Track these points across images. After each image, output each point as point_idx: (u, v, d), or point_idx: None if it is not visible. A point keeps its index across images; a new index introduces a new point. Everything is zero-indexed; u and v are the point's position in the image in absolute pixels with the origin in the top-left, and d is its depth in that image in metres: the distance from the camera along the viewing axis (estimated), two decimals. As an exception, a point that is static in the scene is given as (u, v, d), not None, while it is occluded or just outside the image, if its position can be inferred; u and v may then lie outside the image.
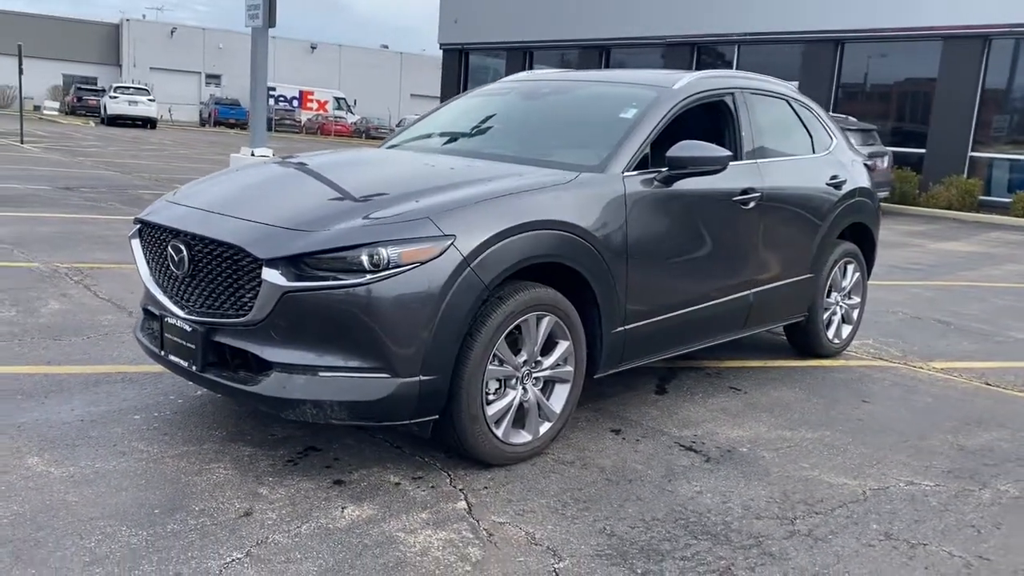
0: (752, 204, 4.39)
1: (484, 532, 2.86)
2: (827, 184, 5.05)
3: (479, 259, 3.10)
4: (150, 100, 37.26)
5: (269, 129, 46.33)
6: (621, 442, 3.75)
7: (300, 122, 49.44)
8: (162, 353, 3.44)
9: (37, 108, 45.44)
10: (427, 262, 3.01)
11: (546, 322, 3.42)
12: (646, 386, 4.55)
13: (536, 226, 3.30)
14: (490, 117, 4.74)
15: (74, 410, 3.71)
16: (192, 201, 3.52)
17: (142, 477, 3.09)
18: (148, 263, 3.56)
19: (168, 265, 3.38)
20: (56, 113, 43.66)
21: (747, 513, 3.13)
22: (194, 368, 3.25)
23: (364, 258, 2.97)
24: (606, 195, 3.62)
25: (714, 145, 3.93)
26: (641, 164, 3.85)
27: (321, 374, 3.02)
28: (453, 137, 4.60)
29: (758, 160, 4.57)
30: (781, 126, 4.99)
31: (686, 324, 4.14)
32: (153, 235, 3.52)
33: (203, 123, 49.60)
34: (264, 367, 3.11)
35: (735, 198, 4.30)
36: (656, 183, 3.85)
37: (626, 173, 3.76)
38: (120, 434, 3.47)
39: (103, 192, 12.00)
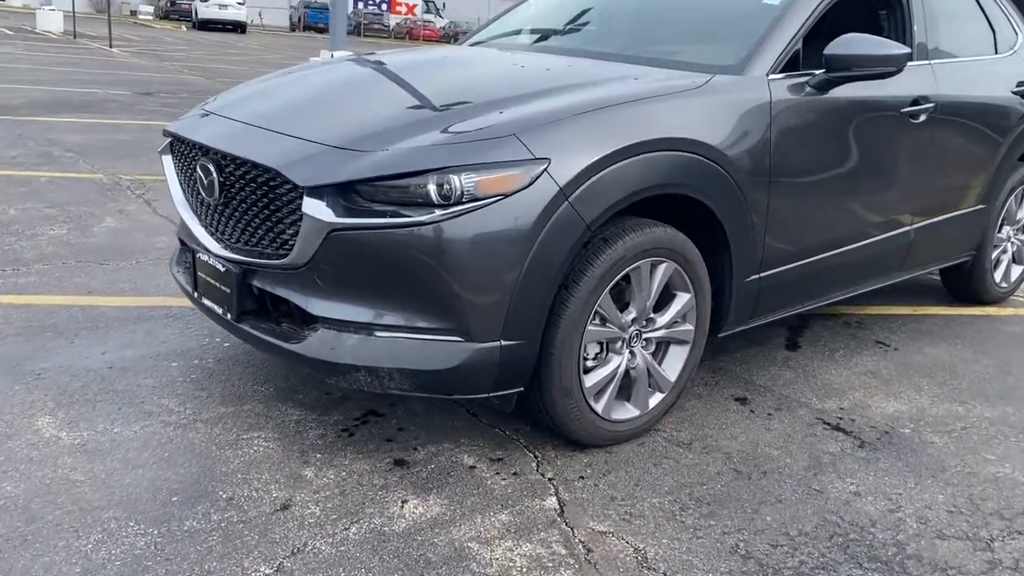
0: (923, 117, 3.48)
1: (580, 546, 2.22)
2: (1013, 93, 4.05)
3: (580, 190, 2.37)
4: (240, 4, 36.91)
5: (357, 33, 45.71)
6: (749, 416, 3.04)
7: (388, 26, 48.47)
8: (195, 294, 2.86)
9: (133, 13, 45.76)
10: (512, 194, 2.30)
11: (662, 270, 2.69)
12: (775, 340, 3.78)
13: (655, 146, 2.52)
14: (596, 5, 3.90)
15: (105, 354, 3.20)
16: (231, 111, 2.86)
17: (166, 448, 2.56)
18: (181, 185, 2.95)
19: (199, 190, 2.76)
20: (150, 18, 43.79)
21: (925, 530, 2.40)
22: (228, 316, 2.67)
23: (431, 188, 2.27)
24: (746, 104, 2.80)
25: (888, 40, 3.03)
26: (790, 65, 3.00)
27: (378, 334, 2.39)
28: (550, 32, 3.78)
29: (932, 61, 3.62)
30: (959, 18, 3.99)
31: (835, 269, 3.33)
32: (184, 151, 2.90)
33: (293, 28, 49.18)
34: (309, 322, 2.50)
35: (904, 109, 3.39)
36: (809, 89, 2.99)
37: (772, 76, 2.92)
38: (151, 387, 2.95)
39: (183, 98, 11.59)
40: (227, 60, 19.91)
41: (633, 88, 2.68)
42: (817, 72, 3.02)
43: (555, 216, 2.35)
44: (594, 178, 2.40)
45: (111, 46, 20.42)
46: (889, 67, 3.00)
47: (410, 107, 2.70)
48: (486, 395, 2.46)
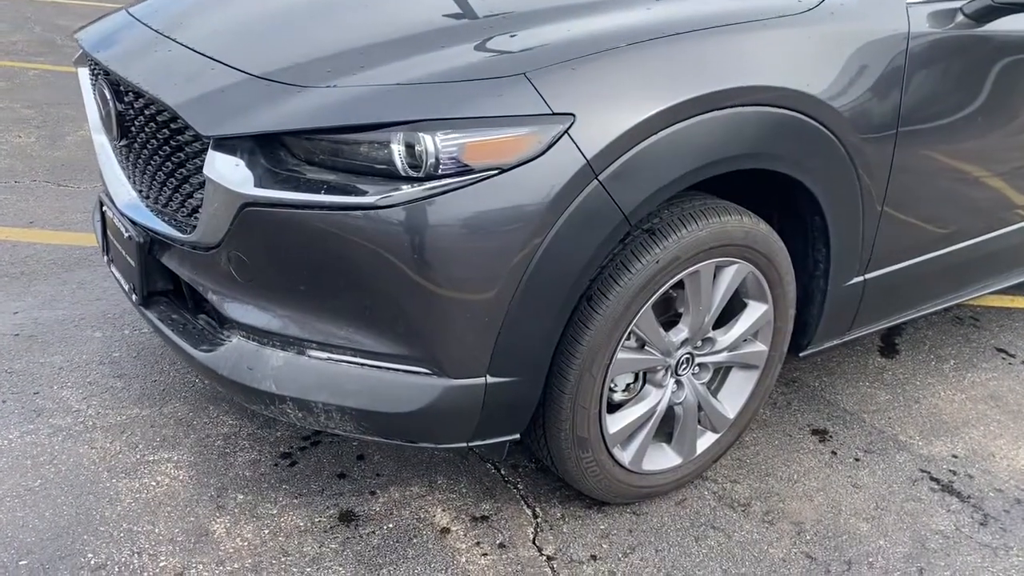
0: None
1: None
2: None
3: (617, 164, 1.58)
4: None
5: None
6: (830, 461, 2.28)
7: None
8: (106, 258, 2.18)
9: None
10: (515, 167, 1.52)
11: (731, 274, 1.90)
12: (865, 340, 2.96)
13: (735, 98, 1.70)
14: None
15: (17, 313, 2.56)
16: (156, 18, 2.08)
17: (41, 472, 1.92)
18: (95, 110, 2.23)
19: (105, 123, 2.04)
20: None
21: None
22: (133, 297, 1.98)
23: (396, 151, 1.51)
24: (873, 38, 1.93)
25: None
26: (939, -17, 2.10)
27: (312, 354, 1.67)
28: None
29: None
30: None
31: (965, 265, 2.48)
32: (93, 68, 2.17)
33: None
34: (225, 325, 1.80)
35: (1087, 51, 2.46)
36: (962, 18, 2.09)
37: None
38: (56, 368, 2.31)
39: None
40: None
41: (706, 8, 1.82)
42: (981, -6, 2.12)
43: (577, 201, 1.57)
44: (640, 147, 1.59)
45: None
46: (1087, -8, 2.08)
47: (386, 23, 1.88)
48: (464, 445, 1.75)
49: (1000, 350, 3.00)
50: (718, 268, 1.88)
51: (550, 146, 1.54)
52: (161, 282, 1.94)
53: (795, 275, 2.07)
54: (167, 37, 1.90)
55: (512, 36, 1.69)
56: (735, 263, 1.89)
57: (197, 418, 2.17)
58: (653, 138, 1.60)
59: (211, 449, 2.06)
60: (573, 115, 1.55)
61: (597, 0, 1.84)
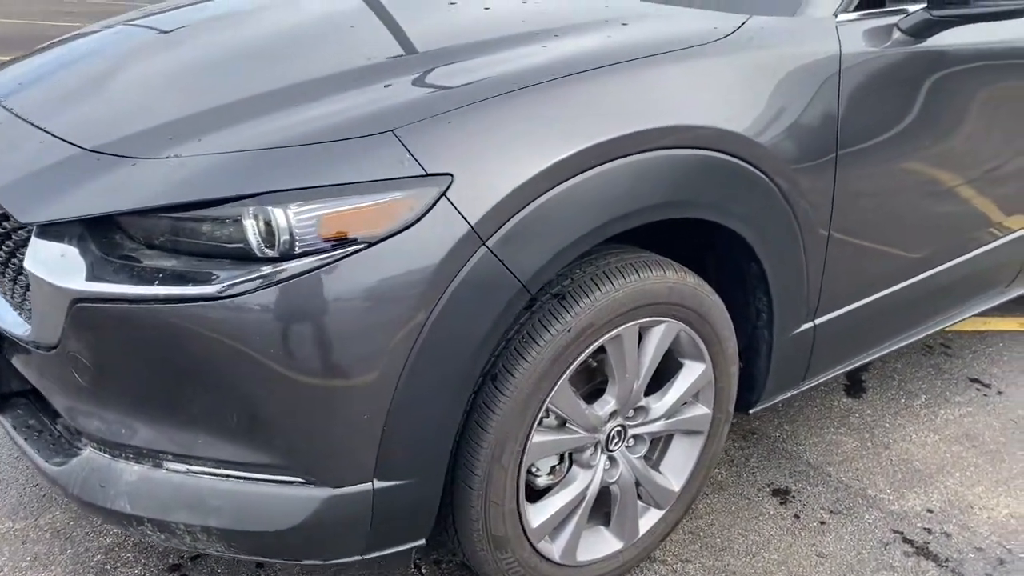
0: (1064, 70, 2.37)
1: None
2: None
3: (509, 226, 1.37)
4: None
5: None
6: (792, 527, 2.05)
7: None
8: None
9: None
10: (387, 238, 1.31)
11: (659, 334, 1.69)
12: (828, 379, 2.76)
13: (644, 141, 1.49)
14: None
15: None
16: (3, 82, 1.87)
17: None
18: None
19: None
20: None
21: None
22: (-17, 398, 1.74)
23: (244, 228, 1.29)
24: (800, 63, 1.73)
25: (1033, -46, 1.93)
26: (868, 0, 1.92)
27: (169, 467, 1.44)
28: None
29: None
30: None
31: (926, 297, 2.29)
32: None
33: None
34: (78, 433, 1.56)
35: (1038, 61, 2.29)
36: (899, 35, 1.91)
37: (843, 16, 1.85)
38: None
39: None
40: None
41: (609, 42, 1.62)
42: (912, 8, 1.94)
43: (465, 271, 1.35)
44: (533, 205, 1.38)
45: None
46: (1032, -2, 1.90)
47: (244, 79, 1.66)
48: (358, 558, 1.51)
49: (974, 380, 2.80)
50: (643, 329, 1.67)
51: (426, 212, 1.32)
52: (16, 382, 1.71)
53: (737, 327, 1.86)
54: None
55: (387, 86, 1.48)
56: (662, 322, 1.68)
57: (77, 528, 1.92)
58: (549, 194, 1.39)
59: (89, 566, 1.81)
60: (451, 175, 1.34)
61: (487, 40, 1.64)
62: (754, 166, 1.66)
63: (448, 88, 1.44)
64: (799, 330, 1.95)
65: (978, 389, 2.74)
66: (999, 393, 2.73)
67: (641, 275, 1.60)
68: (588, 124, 1.43)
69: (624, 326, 1.61)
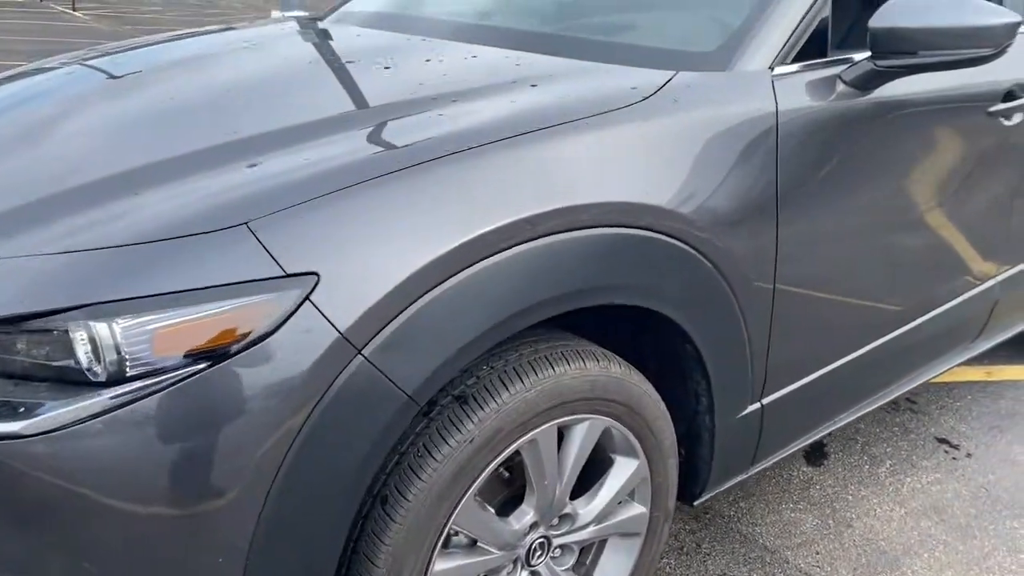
0: (1020, 117, 2.23)
1: None
2: None
3: (390, 332, 1.17)
4: (229, -41, 35.27)
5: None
6: (745, 630, 1.86)
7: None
8: None
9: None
10: (241, 351, 1.11)
11: (582, 434, 1.49)
12: (788, 446, 2.58)
13: (550, 223, 1.30)
14: None
15: None
16: None
17: None
18: None
19: None
20: (141, -23, 42.14)
21: None
22: None
23: (72, 345, 1.09)
24: (728, 123, 1.55)
25: (979, 1, 1.77)
26: (811, 47, 1.75)
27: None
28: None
29: (1031, 26, 2.34)
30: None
31: (883, 363, 2.11)
32: None
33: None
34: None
35: (993, 108, 2.14)
36: (843, 88, 1.75)
37: (780, 69, 1.68)
38: None
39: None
40: (199, 22, 18.49)
41: (512, 109, 1.44)
42: (857, 58, 1.78)
43: (336, 388, 1.15)
44: (419, 304, 1.19)
45: (75, 9, 19.06)
46: (983, 47, 1.74)
47: (77, 161, 1.44)
48: None
49: (942, 440, 2.63)
50: (564, 428, 1.47)
51: (286, 319, 1.13)
52: None
53: (677, 413, 1.67)
54: None
55: (250, 167, 1.29)
56: (585, 420, 1.48)
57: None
58: (435, 292, 1.20)
59: None
60: (316, 275, 1.14)
61: (376, 108, 1.45)
62: (684, 241, 1.48)
63: (319, 169, 1.24)
64: (744, 412, 1.76)
65: (946, 451, 2.57)
66: (968, 455, 2.55)
67: (557, 369, 1.41)
68: (479, 209, 1.25)
69: (540, 428, 1.41)
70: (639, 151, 1.44)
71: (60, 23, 16.43)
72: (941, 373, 2.42)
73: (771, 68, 1.67)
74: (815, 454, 2.53)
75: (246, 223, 1.15)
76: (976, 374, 3.05)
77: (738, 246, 1.57)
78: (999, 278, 2.42)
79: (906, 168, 1.94)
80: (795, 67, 1.71)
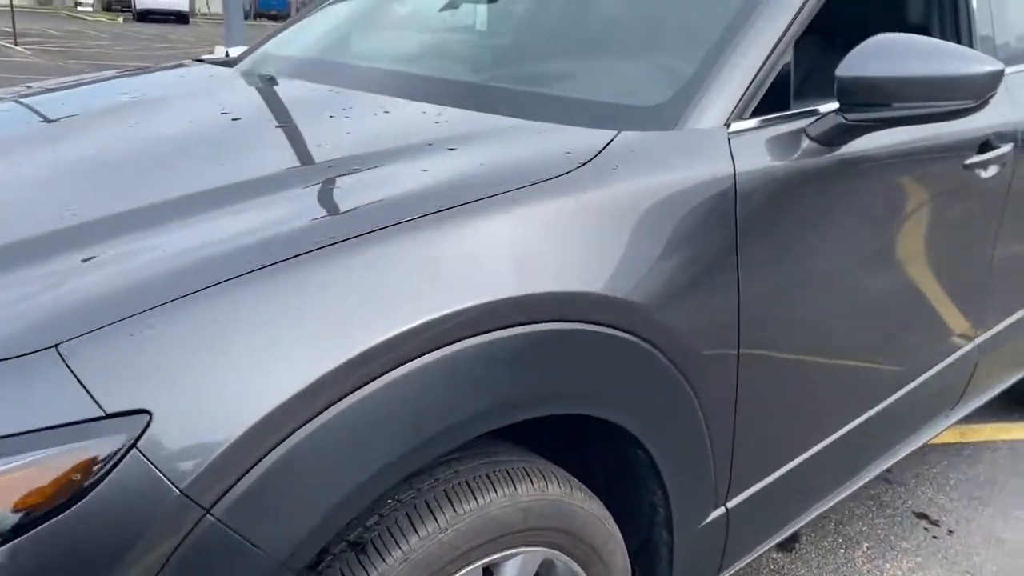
0: (996, 168, 2.04)
1: None
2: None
3: (250, 482, 0.90)
4: (181, -7, 34.87)
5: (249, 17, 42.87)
6: None
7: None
8: None
9: (78, 5, 43.30)
10: (41, 519, 0.83)
11: (515, 570, 1.24)
12: (756, 529, 2.34)
13: (463, 324, 1.05)
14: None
15: None
16: None
17: None
18: None
19: None
20: (89, 9, 41.45)
21: None
22: None
23: None
24: (677, 188, 1.32)
25: (958, 47, 1.58)
26: (772, 99, 1.53)
27: None
28: (347, 45, 2.20)
29: (1007, 69, 2.17)
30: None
31: (860, 446, 1.89)
32: None
33: (245, 15, 47.05)
34: None
35: (969, 161, 1.95)
36: (808, 144, 1.53)
37: (737, 125, 1.46)
38: None
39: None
40: (147, 57, 18.10)
41: (426, 182, 1.19)
42: (823, 110, 1.58)
43: (181, 554, 0.88)
44: (292, 442, 0.93)
45: (16, 43, 18.53)
46: (964, 98, 1.53)
47: None
48: None
49: (921, 516, 2.41)
50: (492, 567, 1.21)
51: (109, 472, 0.86)
52: None
53: (631, 527, 1.42)
54: None
55: (85, 261, 1.02)
56: (517, 555, 1.22)
57: None
58: (314, 424, 0.94)
59: None
60: (148, 413, 0.87)
61: (254, 181, 1.19)
62: (627, 332, 1.24)
63: (157, 268, 0.98)
64: (707, 520, 1.52)
65: (926, 528, 2.35)
66: (949, 532, 2.34)
67: (482, 500, 1.15)
68: (369, 315, 0.99)
69: (461, 572, 1.15)
70: (575, 230, 1.19)
71: (-1, 58, 15.93)
72: (920, 445, 2.20)
73: (727, 124, 1.45)
74: (786, 539, 2.29)
75: (55, 345, 0.88)
76: (951, 435, 2.85)
77: (695, 333, 1.34)
78: (978, 340, 2.23)
79: (880, 229, 1.73)
80: (754, 122, 1.49)
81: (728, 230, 1.37)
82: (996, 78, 1.53)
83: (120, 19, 35.47)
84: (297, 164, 1.24)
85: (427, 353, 1.02)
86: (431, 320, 1.02)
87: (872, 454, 2.00)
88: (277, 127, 1.43)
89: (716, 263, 1.35)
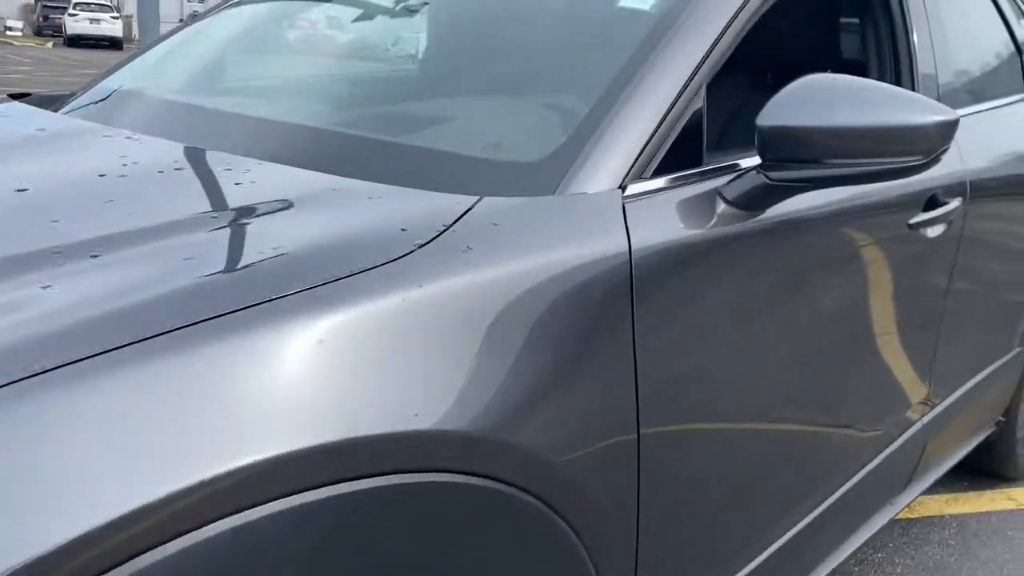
0: (943, 227, 1.78)
1: None
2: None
3: None
4: (114, 18, 33.99)
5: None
6: None
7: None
8: None
9: (8, 29, 41.95)
10: None
11: None
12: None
13: (249, 487, 0.71)
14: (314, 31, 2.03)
15: None
16: None
17: None
18: None
19: None
20: (19, 34, 40.15)
21: None
22: None
23: None
24: (562, 273, 1.01)
25: (906, 92, 1.31)
26: (677, 158, 1.24)
27: None
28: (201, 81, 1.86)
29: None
30: (978, 31, 2.33)
31: (796, 555, 1.60)
32: None
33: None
34: None
35: (913, 220, 1.68)
36: (724, 208, 1.24)
37: (634, 187, 1.16)
38: None
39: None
40: (69, 83, 17.43)
41: (199, 267, 0.85)
42: (744, 165, 1.29)
43: None
44: None
45: (-70, 69, 17.70)
46: (911, 155, 1.26)
47: None
48: None
49: (866, 613, 2.12)
50: None
51: None
52: None
53: None
54: None
55: None
56: None
57: None
58: None
59: None
60: None
61: None
62: (487, 478, 0.91)
63: None
64: None
65: (873, 630, 2.07)
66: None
67: None
68: (82, 486, 0.65)
69: None
70: (404, 342, 0.87)
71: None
72: (860, 544, 1.92)
73: (622, 187, 1.15)
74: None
75: None
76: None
77: (580, 467, 1.02)
78: (926, 419, 1.96)
79: (813, 302, 1.45)
80: (658, 183, 1.20)
81: (622, 325, 1.06)
82: (949, 130, 1.27)
83: (50, 44, 34.42)
84: (19, 251, 0.89)
85: (183, 535, 0.68)
86: (191, 486, 0.69)
87: (811, 561, 1.71)
88: (17, 191, 1.07)
89: (607, 366, 1.04)
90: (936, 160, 1.27)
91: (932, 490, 2.68)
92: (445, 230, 0.96)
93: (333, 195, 1.05)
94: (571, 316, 1.01)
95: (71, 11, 34.14)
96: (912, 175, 1.28)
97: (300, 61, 1.74)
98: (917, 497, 2.13)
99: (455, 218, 0.99)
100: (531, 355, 0.96)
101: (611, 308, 1.05)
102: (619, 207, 1.12)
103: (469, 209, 1.02)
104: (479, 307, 0.93)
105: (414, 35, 1.58)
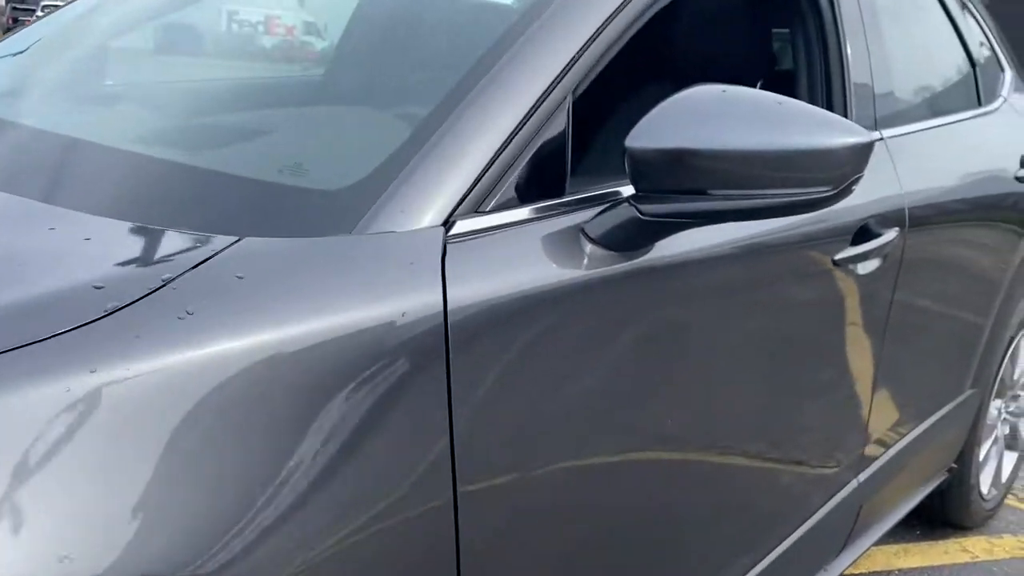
0: (877, 261, 1.55)
1: None
2: (1017, 179, 2.19)
3: None
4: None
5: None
6: None
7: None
8: None
9: (-22, 31, 41.34)
10: None
11: None
12: None
13: None
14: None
15: None
16: None
17: None
18: None
19: None
20: (-11, 36, 39.49)
21: None
22: None
23: None
24: (337, 347, 0.76)
25: (812, 108, 1.07)
26: (530, 188, 0.99)
27: None
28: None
29: (885, 133, 1.69)
30: (927, 43, 2.11)
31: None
32: None
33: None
34: None
35: (840, 255, 1.44)
36: (590, 246, 1.00)
37: (463, 224, 0.91)
38: None
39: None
40: None
41: None
42: (622, 196, 1.05)
43: None
44: None
45: None
46: (815, 185, 1.02)
47: None
48: None
49: None
50: None
51: None
52: None
53: None
54: None
55: None
56: None
57: None
58: None
59: None
60: None
61: None
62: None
63: None
64: None
65: None
66: None
67: None
68: None
69: None
70: (62, 453, 0.62)
71: None
72: None
73: (447, 223, 0.90)
74: None
75: None
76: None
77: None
78: (863, 476, 1.73)
79: (714, 365, 1.22)
80: (499, 218, 0.95)
81: (433, 409, 0.82)
82: (863, 154, 1.03)
83: None
84: None
85: None
86: None
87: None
88: None
89: (420, 473, 0.79)
90: (848, 191, 1.04)
91: (881, 540, 2.45)
92: (161, 287, 0.71)
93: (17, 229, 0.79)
94: (349, 404, 0.76)
95: (39, 13, 33.67)
96: (819, 209, 1.05)
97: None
98: (856, 561, 1.90)
99: (183, 269, 0.73)
100: (300, 451, 0.71)
101: (417, 383, 0.81)
102: (438, 250, 0.87)
103: (214, 255, 0.76)
104: (185, 396, 0.67)
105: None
